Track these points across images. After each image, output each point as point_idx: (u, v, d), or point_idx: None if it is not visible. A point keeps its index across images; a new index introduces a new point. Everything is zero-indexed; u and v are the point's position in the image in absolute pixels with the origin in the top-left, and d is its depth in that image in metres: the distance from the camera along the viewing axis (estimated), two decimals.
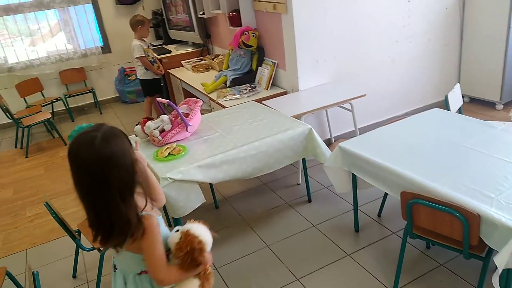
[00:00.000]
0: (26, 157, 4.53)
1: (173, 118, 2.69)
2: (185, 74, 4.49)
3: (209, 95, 3.65)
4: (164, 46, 5.43)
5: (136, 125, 2.67)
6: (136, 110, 5.67)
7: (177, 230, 1.37)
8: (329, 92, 3.31)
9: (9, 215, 3.37)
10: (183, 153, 2.36)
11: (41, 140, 5.01)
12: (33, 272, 1.62)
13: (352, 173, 2.31)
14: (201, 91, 3.80)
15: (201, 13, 4.56)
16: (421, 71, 3.98)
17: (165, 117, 2.63)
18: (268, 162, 2.49)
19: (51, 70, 5.66)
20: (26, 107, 5.33)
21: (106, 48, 5.95)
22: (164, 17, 5.37)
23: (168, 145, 2.45)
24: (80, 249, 2.38)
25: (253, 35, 3.61)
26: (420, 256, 2.30)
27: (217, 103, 3.44)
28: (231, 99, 3.42)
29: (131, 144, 1.25)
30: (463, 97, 3.07)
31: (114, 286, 1.47)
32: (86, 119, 5.61)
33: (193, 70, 4.50)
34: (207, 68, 4.48)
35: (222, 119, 2.85)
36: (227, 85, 3.72)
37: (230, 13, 3.88)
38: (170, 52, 5.05)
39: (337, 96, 3.18)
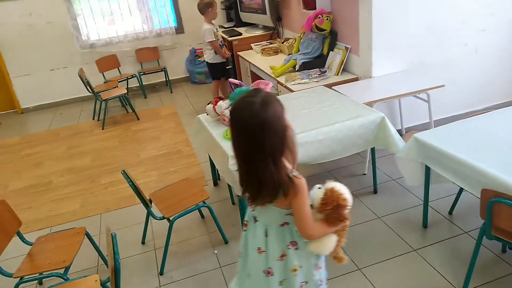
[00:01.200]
0: (103, 129, 4.85)
1: None
2: (254, 57, 4.51)
3: (277, 78, 3.64)
4: (235, 28, 5.49)
5: (208, 104, 2.75)
6: (205, 90, 5.82)
7: (319, 188, 1.45)
8: (404, 80, 3.17)
9: (87, 181, 3.65)
10: None
11: (116, 114, 5.34)
12: (111, 234, 1.75)
13: (426, 167, 2.20)
14: (269, 74, 3.80)
15: None
16: (507, 64, 3.65)
17: None
18: (336, 148, 2.46)
19: (128, 48, 5.98)
20: (104, 82, 5.70)
21: (179, 29, 6.14)
22: None
23: None
24: (150, 217, 2.53)
25: (327, 19, 3.53)
26: (494, 259, 2.15)
27: (285, 86, 3.43)
28: (299, 83, 3.39)
29: (283, 110, 1.32)
30: None
31: (252, 236, 1.55)
32: (158, 97, 5.87)
33: (262, 53, 4.51)
34: (276, 51, 4.47)
35: (290, 103, 2.83)
36: (296, 69, 3.68)
37: None
38: (240, 34, 5.10)
39: (412, 85, 3.03)
